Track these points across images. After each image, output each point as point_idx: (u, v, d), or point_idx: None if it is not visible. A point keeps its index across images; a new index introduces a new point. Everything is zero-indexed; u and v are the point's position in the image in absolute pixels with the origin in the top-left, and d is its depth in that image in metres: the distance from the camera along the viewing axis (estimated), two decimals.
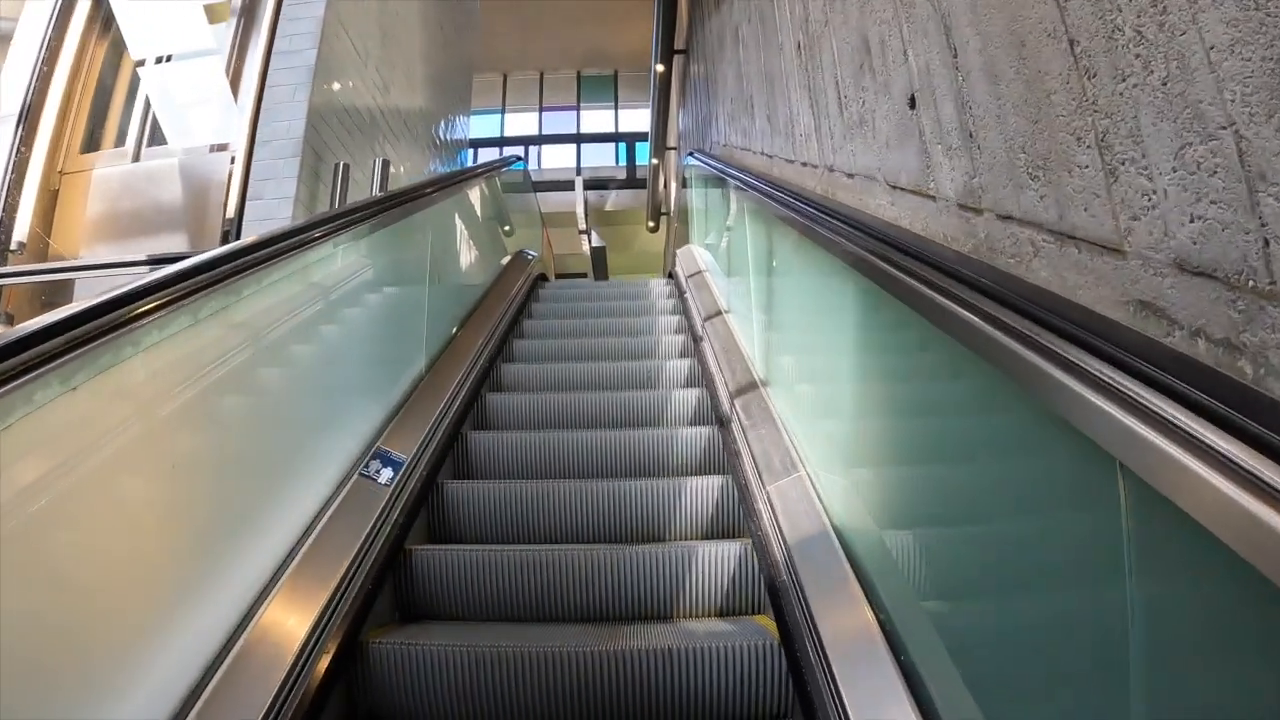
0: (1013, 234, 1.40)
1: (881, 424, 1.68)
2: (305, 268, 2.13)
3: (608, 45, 14.15)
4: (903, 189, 1.88)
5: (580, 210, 11.95)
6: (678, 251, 5.51)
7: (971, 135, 1.52)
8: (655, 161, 10.97)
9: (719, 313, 3.60)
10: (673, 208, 11.42)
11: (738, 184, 3.36)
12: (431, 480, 2.48)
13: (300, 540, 1.75)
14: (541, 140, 14.57)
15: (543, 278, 5.70)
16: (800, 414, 2.28)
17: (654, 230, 12.96)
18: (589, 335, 3.79)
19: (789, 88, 3.01)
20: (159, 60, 4.93)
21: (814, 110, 2.66)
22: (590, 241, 12.57)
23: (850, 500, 1.79)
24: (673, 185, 11.23)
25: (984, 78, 1.46)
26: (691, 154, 5.50)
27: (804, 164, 2.81)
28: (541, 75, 15.04)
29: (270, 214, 3.53)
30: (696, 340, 3.65)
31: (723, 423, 2.76)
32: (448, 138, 6.64)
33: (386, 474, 2.29)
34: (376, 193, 3.54)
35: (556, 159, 14.36)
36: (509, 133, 14.68)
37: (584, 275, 15.06)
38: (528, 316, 4.47)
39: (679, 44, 8.16)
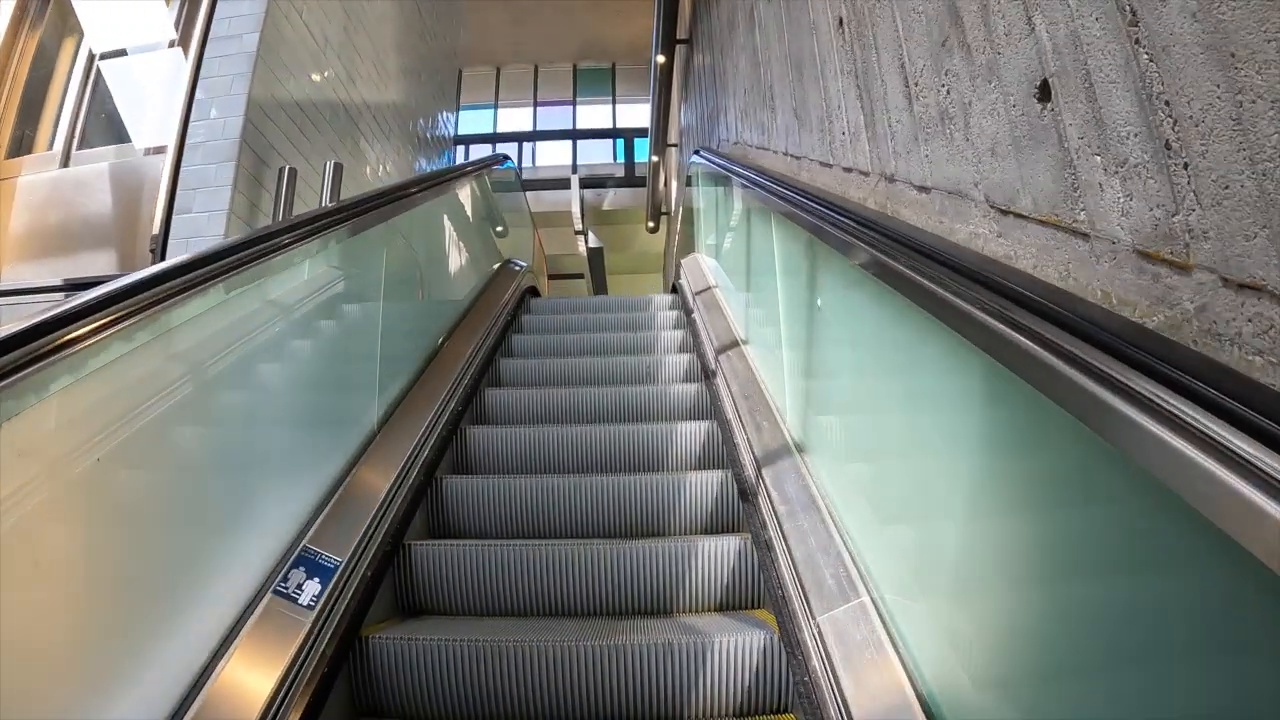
0: (1263, 317, 0.85)
1: (1016, 561, 1.13)
2: (198, 319, 1.58)
3: (605, 36, 13.57)
4: (1021, 216, 1.32)
5: (576, 210, 11.38)
6: (683, 262, 4.96)
7: (1170, 146, 0.97)
8: (655, 159, 10.41)
9: (735, 343, 3.04)
10: (673, 208, 10.86)
11: (755, 189, 2.81)
12: (376, 586, 1.93)
13: None
14: (536, 136, 13.99)
15: (533, 291, 5.14)
16: (860, 507, 1.72)
17: (654, 231, 12.41)
18: (580, 383, 3.19)
19: (824, 75, 2.45)
20: (118, 53, 4.37)
21: (863, 102, 2.10)
22: (587, 243, 12.03)
23: (954, 666, 1.24)
24: (674, 184, 10.67)
25: (1202, 56, 0.90)
26: (698, 153, 4.94)
27: (847, 169, 2.25)
28: (536, 68, 14.46)
29: (198, 230, 2.98)
30: (709, 376, 3.09)
31: (746, 495, 2.22)
32: (430, 135, 6.08)
33: (311, 590, 1.74)
34: (326, 202, 2.96)
35: (551, 156, 13.78)
36: (502, 128, 14.10)
37: (580, 276, 14.52)
38: (516, 332, 3.92)
39: (681, 33, 7.59)
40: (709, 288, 4.00)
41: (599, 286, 14.02)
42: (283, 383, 1.99)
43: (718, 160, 3.99)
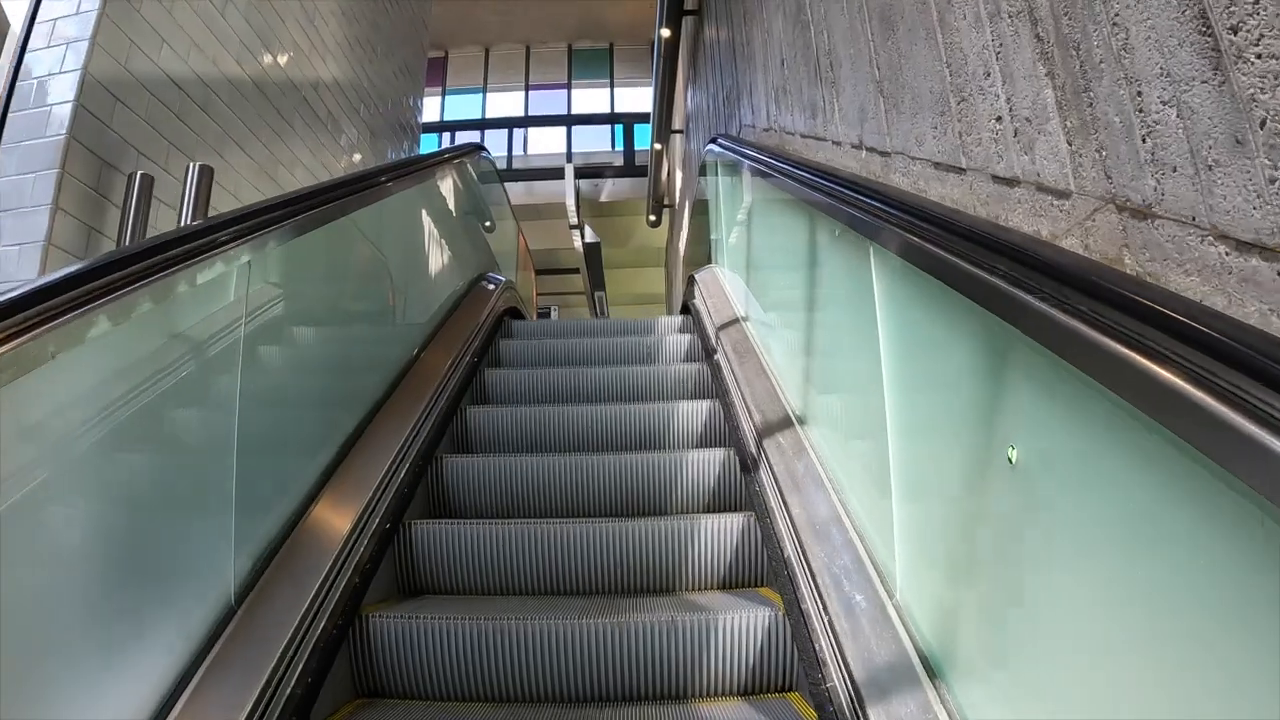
0: None
1: None
2: None
3: (602, 14, 12.60)
4: None
5: (571, 203, 10.44)
6: (697, 277, 4.04)
7: None
8: (658, 147, 9.46)
9: (788, 421, 2.14)
10: (677, 201, 9.92)
11: (823, 198, 1.93)
12: None
13: None
14: (528, 122, 13.00)
15: (513, 313, 4.22)
16: None
17: (655, 224, 11.48)
18: (566, 513, 2.20)
19: (946, 24, 1.53)
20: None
21: (1053, 64, 1.20)
22: (583, 238, 11.12)
23: None
24: (679, 174, 9.73)
25: None
26: (716, 142, 4.02)
27: (1005, 180, 1.35)
28: (528, 49, 13.48)
29: (4, 270, 2.05)
30: (750, 466, 2.19)
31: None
32: (389, 121, 5.12)
33: None
34: (188, 218, 2.03)
35: (545, 143, 12.80)
36: (491, 114, 13.12)
37: (575, 271, 13.61)
38: (475, 404, 3.00)
39: (690, 3, 6.62)
40: (736, 320, 3.09)
41: (596, 283, 13.13)
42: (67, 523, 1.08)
43: (747, 152, 3.07)
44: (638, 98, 12.80)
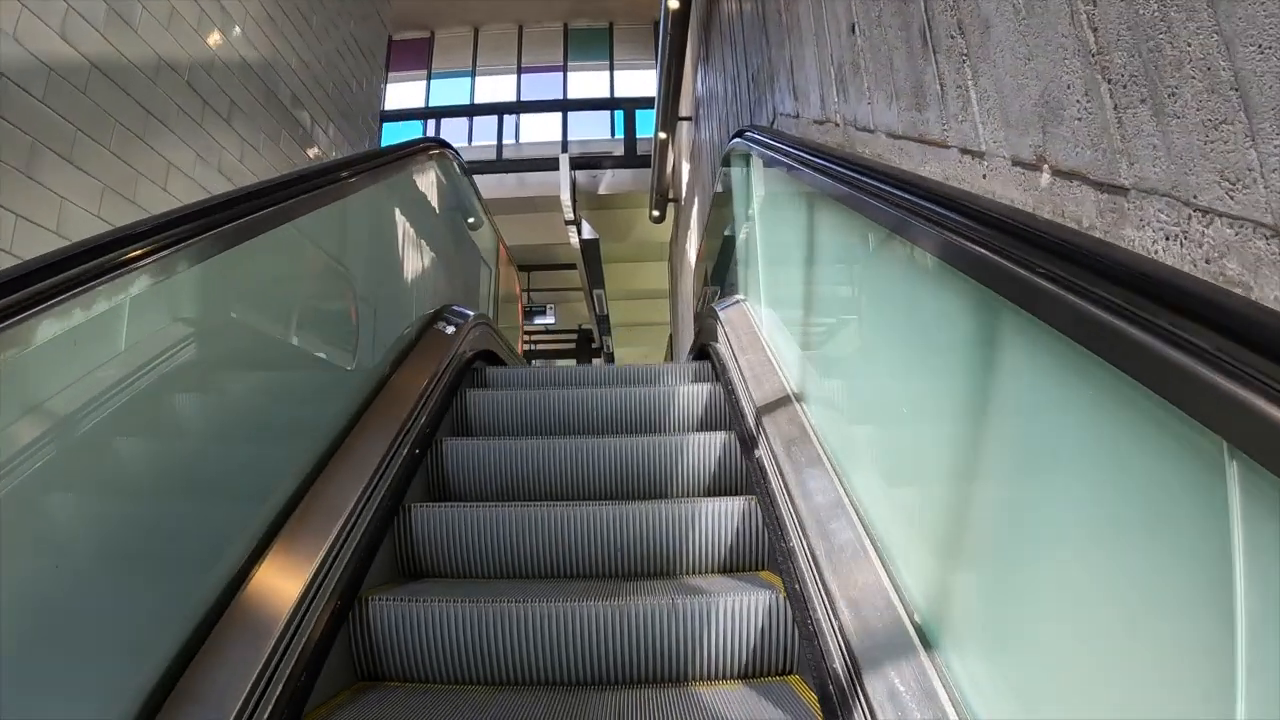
0: None
1: None
2: None
3: None
4: None
5: (566, 197, 9.51)
6: (723, 315, 3.14)
7: None
8: (663, 136, 8.50)
9: (908, 648, 1.23)
10: (683, 196, 8.98)
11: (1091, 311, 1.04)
12: None
13: None
14: (520, 108, 12.03)
15: (488, 359, 3.31)
16: None
17: (659, 220, 10.54)
18: None
19: None
20: None
21: None
22: (580, 234, 10.21)
23: None
24: (685, 166, 8.79)
25: None
26: (745, 136, 3.11)
27: None
28: (520, 29, 12.53)
29: None
30: (838, 710, 1.29)
31: None
32: (327, 111, 4.17)
33: None
34: None
35: (538, 131, 11.82)
36: (480, 99, 12.14)
37: (571, 267, 12.73)
38: (399, 570, 2.08)
39: None
40: (786, 397, 2.19)
41: (594, 281, 12.27)
42: None
43: (803, 156, 2.18)
44: (640, 81, 11.84)
